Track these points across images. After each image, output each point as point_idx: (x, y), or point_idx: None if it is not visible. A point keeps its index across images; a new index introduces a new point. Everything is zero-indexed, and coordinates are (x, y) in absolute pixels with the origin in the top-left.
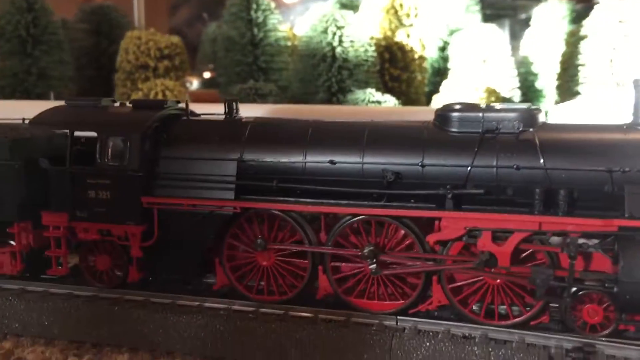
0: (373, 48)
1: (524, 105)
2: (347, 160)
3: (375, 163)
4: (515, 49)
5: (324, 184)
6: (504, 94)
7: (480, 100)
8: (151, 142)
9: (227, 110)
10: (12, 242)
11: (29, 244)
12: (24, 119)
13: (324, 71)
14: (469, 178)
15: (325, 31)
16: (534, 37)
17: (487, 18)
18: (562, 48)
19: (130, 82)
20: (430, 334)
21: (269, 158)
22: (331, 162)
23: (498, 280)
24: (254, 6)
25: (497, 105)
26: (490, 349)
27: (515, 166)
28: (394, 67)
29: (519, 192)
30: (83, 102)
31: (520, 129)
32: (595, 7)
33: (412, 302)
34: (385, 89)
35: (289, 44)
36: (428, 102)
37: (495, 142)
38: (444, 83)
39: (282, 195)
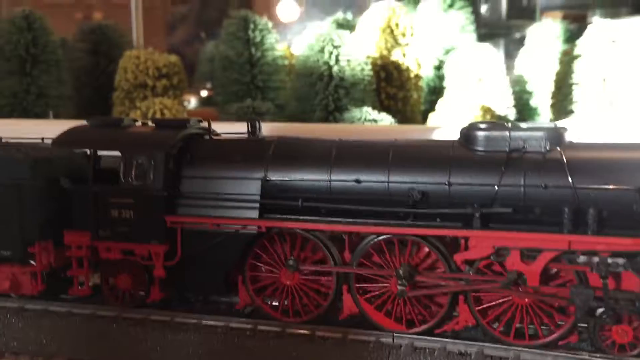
0: (369, 67)
1: (551, 124)
2: (372, 179)
3: (402, 182)
4: (510, 67)
5: (350, 202)
6: (499, 112)
7: (476, 118)
8: (175, 162)
9: (249, 129)
10: (32, 262)
11: (49, 264)
12: (43, 139)
13: (321, 90)
14: (496, 197)
15: (322, 50)
16: (528, 56)
17: (481, 37)
18: (556, 67)
19: (128, 101)
20: (427, 350)
21: (294, 177)
22: (357, 180)
23: (526, 300)
24: (252, 26)
25: (524, 124)
26: None
27: (543, 185)
28: (390, 85)
29: (547, 212)
30: (105, 122)
31: (548, 147)
32: (589, 27)
33: (437, 322)
34: (381, 107)
35: (286, 62)
36: (424, 120)
37: (522, 161)
38: (440, 101)
39: (306, 214)
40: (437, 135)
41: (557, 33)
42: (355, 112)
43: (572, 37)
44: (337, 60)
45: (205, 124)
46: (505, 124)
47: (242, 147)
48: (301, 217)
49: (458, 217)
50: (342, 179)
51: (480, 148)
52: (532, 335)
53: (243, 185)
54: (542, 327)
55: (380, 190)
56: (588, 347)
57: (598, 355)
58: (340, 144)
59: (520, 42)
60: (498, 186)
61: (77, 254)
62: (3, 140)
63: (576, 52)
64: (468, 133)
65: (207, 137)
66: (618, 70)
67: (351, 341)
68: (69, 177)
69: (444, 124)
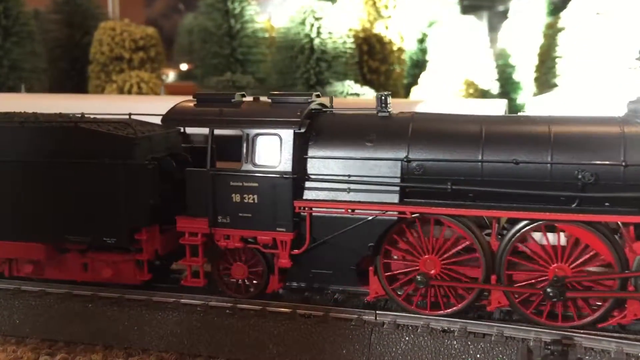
0: (351, 40)
1: None
2: (531, 160)
3: (567, 163)
4: (493, 41)
5: (504, 185)
6: (483, 86)
7: (459, 92)
8: (301, 141)
9: (380, 104)
10: (133, 249)
11: (155, 252)
12: (130, 114)
13: (302, 63)
14: None
15: (303, 23)
16: (512, 29)
17: (465, 10)
18: (540, 40)
19: (104, 74)
20: (409, 328)
21: (440, 157)
22: (514, 162)
23: None
24: None
25: None
26: (469, 343)
27: None
28: (373, 59)
29: None
30: (214, 98)
31: None
32: None
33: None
34: (363, 81)
35: (267, 35)
36: (407, 94)
37: None
38: (423, 75)
39: (451, 199)
40: (419, 109)
41: (541, 6)
42: (337, 86)
43: (556, 9)
44: (318, 33)
45: (321, 99)
46: None
47: (375, 124)
48: (452, 202)
49: (633, 202)
50: (496, 159)
51: None
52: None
53: (381, 167)
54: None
55: (540, 172)
56: None
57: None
58: (489, 119)
59: (504, 14)
60: None
61: (191, 242)
62: (85, 116)
63: (560, 25)
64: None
65: (329, 112)
66: (602, 43)
67: (333, 319)
68: (170, 157)
69: (427, 98)
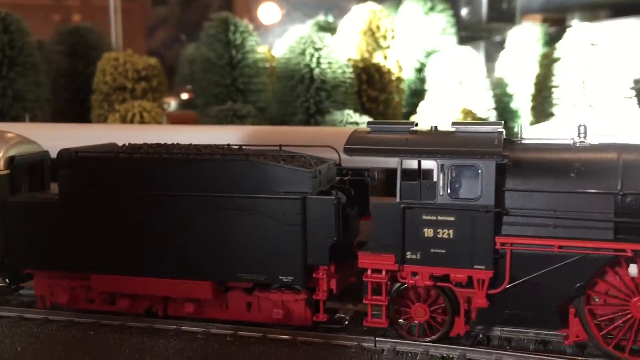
0: (351, 69)
1: None
2: None
3: None
4: (490, 70)
5: None
6: (480, 114)
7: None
8: (497, 172)
9: (579, 133)
10: (300, 289)
11: (328, 291)
12: (280, 146)
13: (302, 92)
14: None
15: (303, 53)
16: (508, 59)
17: (462, 40)
18: (536, 70)
19: (107, 104)
20: (409, 355)
21: None
22: None
23: None
24: (232, 28)
25: None
26: None
27: None
28: (372, 88)
29: None
30: (391, 127)
31: None
32: (568, 30)
33: None
34: (363, 110)
35: (267, 65)
36: None
37: None
38: (421, 104)
39: None
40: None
41: (537, 36)
42: (337, 115)
43: (551, 40)
44: (318, 63)
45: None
46: None
47: (577, 155)
48: None
49: None
50: None
51: None
52: None
53: (590, 200)
54: None
55: None
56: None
57: (579, 357)
58: None
59: (501, 45)
60: None
61: (375, 279)
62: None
63: (556, 55)
64: None
65: (520, 142)
66: (597, 73)
67: (333, 346)
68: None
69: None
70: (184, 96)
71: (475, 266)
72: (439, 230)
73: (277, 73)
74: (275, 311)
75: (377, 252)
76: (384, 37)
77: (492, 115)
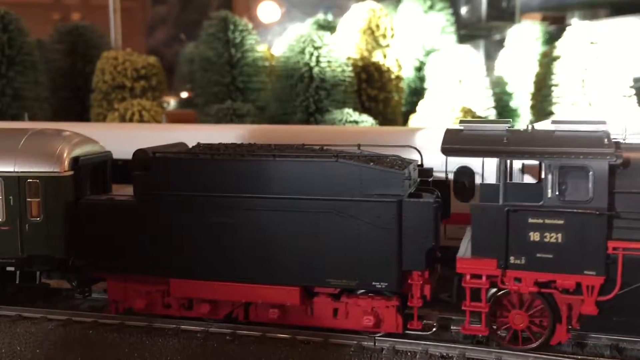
0: (350, 68)
1: None
2: None
3: None
4: (490, 69)
5: None
6: (480, 113)
7: (457, 119)
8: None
9: (625, 132)
10: (388, 294)
11: (423, 297)
12: (359, 145)
13: (302, 91)
14: None
15: (302, 51)
16: (508, 57)
17: (462, 39)
18: (535, 68)
19: (106, 103)
20: (408, 354)
21: None
22: None
23: None
24: (232, 27)
25: None
26: None
27: None
28: (371, 87)
29: None
30: (487, 126)
31: None
32: (568, 28)
33: None
34: (362, 109)
35: (267, 64)
36: (405, 122)
37: None
38: (421, 103)
39: None
40: (419, 137)
41: (537, 35)
42: (336, 114)
43: (551, 38)
44: (317, 62)
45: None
46: None
47: None
48: None
49: None
50: None
51: None
52: None
53: None
54: None
55: None
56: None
57: (579, 356)
58: None
59: (500, 43)
60: None
61: (475, 285)
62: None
63: (555, 53)
64: None
65: (625, 142)
66: (596, 71)
67: (332, 345)
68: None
69: (425, 125)
70: (184, 95)
71: (585, 272)
72: (546, 234)
73: (277, 72)
74: (367, 318)
75: (478, 257)
76: (384, 35)
77: (492, 114)
